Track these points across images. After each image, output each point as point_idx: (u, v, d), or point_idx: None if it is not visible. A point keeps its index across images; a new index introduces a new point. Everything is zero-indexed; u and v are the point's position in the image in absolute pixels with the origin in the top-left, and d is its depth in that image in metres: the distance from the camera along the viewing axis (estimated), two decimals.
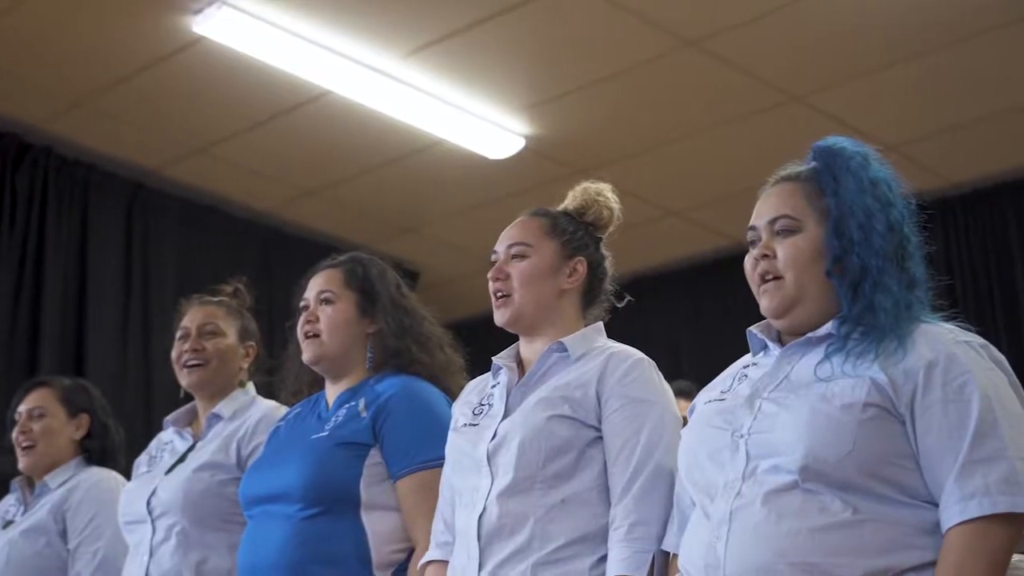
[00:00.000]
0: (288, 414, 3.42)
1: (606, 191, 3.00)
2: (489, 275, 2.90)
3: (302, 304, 3.34)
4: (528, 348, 2.91)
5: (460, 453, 2.82)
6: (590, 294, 2.96)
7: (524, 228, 2.93)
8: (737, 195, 7.37)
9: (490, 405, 2.85)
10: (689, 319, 8.39)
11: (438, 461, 2.99)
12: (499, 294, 2.89)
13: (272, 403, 3.77)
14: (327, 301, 3.30)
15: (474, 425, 2.82)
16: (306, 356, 3.28)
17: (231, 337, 3.84)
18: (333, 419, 3.17)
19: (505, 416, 2.77)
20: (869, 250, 2.36)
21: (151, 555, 3.55)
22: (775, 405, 2.33)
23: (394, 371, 3.26)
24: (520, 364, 2.91)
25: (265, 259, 7.80)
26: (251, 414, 3.71)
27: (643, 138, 6.95)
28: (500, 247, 2.93)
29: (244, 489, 3.24)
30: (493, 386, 2.91)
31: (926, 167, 6.88)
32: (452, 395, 3.20)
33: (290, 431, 3.31)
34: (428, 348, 3.31)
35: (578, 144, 6.96)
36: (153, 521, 3.58)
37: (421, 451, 3.08)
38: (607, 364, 2.76)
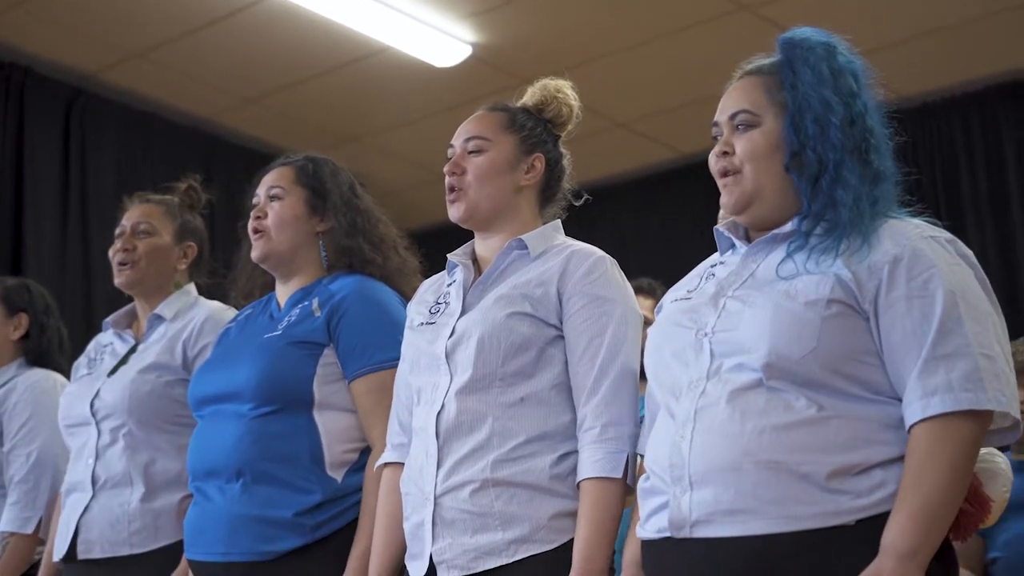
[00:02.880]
0: (239, 315, 3.36)
1: (565, 88, 2.95)
2: (445, 169, 2.84)
3: (253, 202, 3.27)
4: (484, 245, 2.86)
5: (418, 352, 2.76)
6: (547, 192, 2.90)
7: (481, 122, 2.87)
8: (685, 106, 7.45)
9: (446, 304, 2.80)
10: (635, 232, 8.36)
11: (394, 361, 2.95)
12: (454, 189, 2.82)
13: (216, 304, 3.71)
14: (276, 197, 3.23)
15: (431, 323, 2.77)
16: (254, 253, 3.22)
17: (166, 236, 3.75)
18: (286, 318, 3.12)
19: (463, 314, 2.72)
20: (826, 144, 2.32)
21: (97, 457, 3.50)
22: (739, 303, 2.30)
23: (346, 271, 3.21)
24: (476, 262, 2.86)
25: (205, 167, 7.54)
26: (195, 315, 3.65)
27: (591, 47, 6.87)
28: (456, 141, 2.86)
29: (194, 389, 3.19)
30: (449, 284, 2.85)
31: (875, 80, 6.84)
32: (406, 297, 3.15)
33: (241, 331, 3.25)
34: (381, 249, 3.26)
35: (526, 52, 6.86)
36: (98, 423, 3.52)
37: (377, 351, 3.03)
38: (568, 262, 2.71)
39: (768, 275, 2.32)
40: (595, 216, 7.95)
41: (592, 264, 2.70)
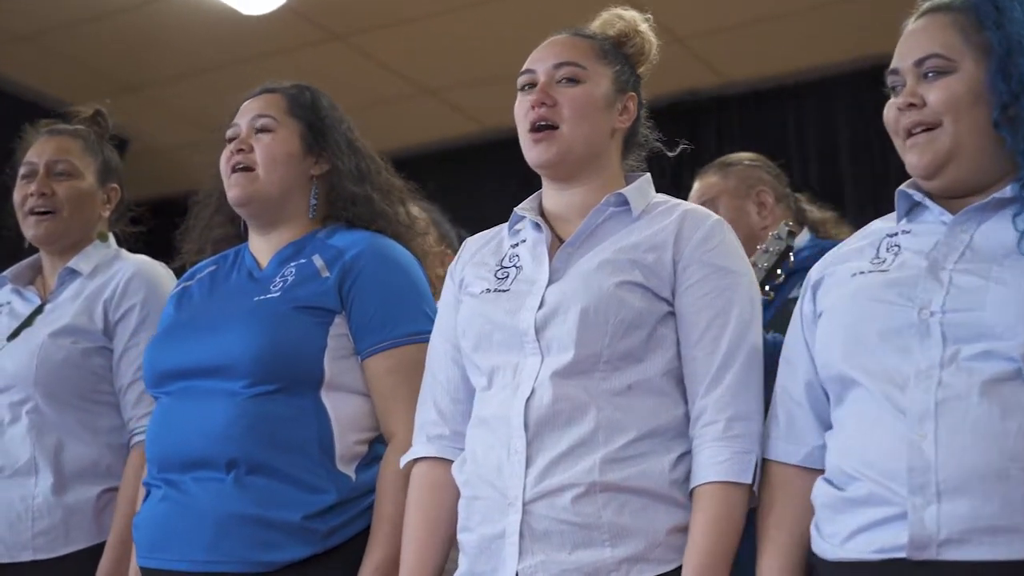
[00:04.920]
0: (196, 272, 2.77)
1: (641, 21, 2.48)
2: (531, 100, 2.34)
3: (230, 133, 2.69)
4: (560, 199, 2.38)
5: (490, 325, 2.27)
6: (630, 140, 2.45)
7: (574, 47, 2.38)
8: (497, 79, 7.00)
9: (517, 267, 2.32)
10: (438, 207, 7.93)
11: (420, 336, 2.50)
12: (542, 124, 2.32)
13: (143, 257, 3.13)
14: (265, 129, 2.66)
15: (503, 291, 2.29)
16: (234, 193, 2.64)
17: (89, 178, 3.13)
18: (280, 278, 2.57)
19: (552, 281, 2.26)
20: None
21: None
22: (975, 278, 1.94)
23: (347, 225, 2.69)
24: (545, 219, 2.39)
25: None
26: (118, 271, 3.05)
27: (409, 8, 6.41)
28: (539, 66, 2.37)
29: (157, 361, 2.59)
30: (515, 244, 2.38)
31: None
32: (419, 259, 2.69)
33: (210, 293, 2.68)
34: (389, 201, 2.74)
35: (341, 6, 6.36)
36: None
37: (399, 323, 2.53)
38: (682, 224, 2.27)
39: (995, 248, 1.97)
40: None
41: (711, 228, 2.27)
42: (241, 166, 2.63)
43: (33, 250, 3.18)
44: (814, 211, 3.53)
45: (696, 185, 3.50)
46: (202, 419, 2.45)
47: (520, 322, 2.22)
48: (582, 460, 2.12)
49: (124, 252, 3.16)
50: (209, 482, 2.42)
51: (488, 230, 2.50)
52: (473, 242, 2.48)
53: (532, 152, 2.34)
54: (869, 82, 6.76)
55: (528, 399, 2.17)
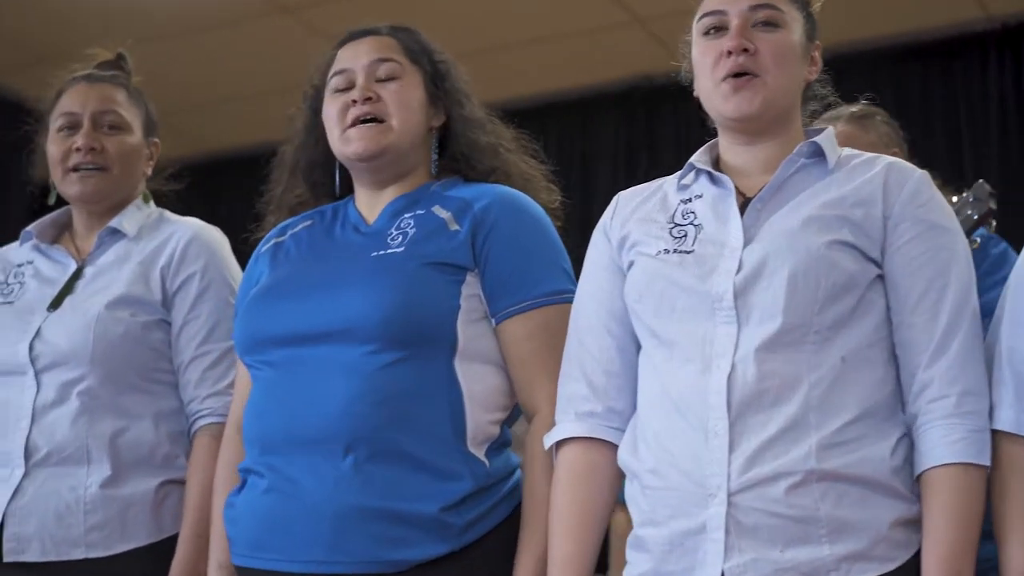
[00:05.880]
0: (288, 227, 2.45)
1: None
2: (729, 45, 2.06)
3: (340, 83, 2.37)
4: (742, 153, 2.13)
5: (675, 288, 2.01)
6: (807, 93, 2.22)
7: None
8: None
9: (696, 226, 2.06)
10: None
11: (563, 295, 2.25)
12: (742, 72, 2.06)
13: (195, 220, 2.78)
14: (392, 76, 2.36)
15: (686, 252, 2.02)
16: (361, 147, 2.30)
17: (136, 132, 2.78)
18: (396, 231, 2.27)
19: (748, 240, 2.00)
20: None
21: (34, 420, 2.52)
22: None
23: (463, 179, 2.41)
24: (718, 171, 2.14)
25: None
26: (172, 234, 2.71)
27: None
28: (731, 7, 2.09)
29: (256, 325, 2.26)
30: (688, 200, 2.11)
31: None
32: None
33: (311, 249, 2.36)
34: (509, 151, 2.47)
35: None
36: (37, 374, 2.54)
37: (540, 281, 2.25)
38: (888, 177, 2.03)
39: None
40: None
41: (919, 182, 2.04)
42: (370, 117, 2.32)
43: (55, 207, 2.83)
44: None
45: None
46: (317, 393, 2.13)
47: (714, 287, 1.97)
48: (795, 445, 1.87)
49: (168, 214, 2.82)
50: (324, 468, 2.09)
51: (644, 184, 2.24)
52: (628, 197, 2.21)
53: (729, 104, 2.08)
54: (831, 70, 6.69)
55: (730, 375, 1.91)
